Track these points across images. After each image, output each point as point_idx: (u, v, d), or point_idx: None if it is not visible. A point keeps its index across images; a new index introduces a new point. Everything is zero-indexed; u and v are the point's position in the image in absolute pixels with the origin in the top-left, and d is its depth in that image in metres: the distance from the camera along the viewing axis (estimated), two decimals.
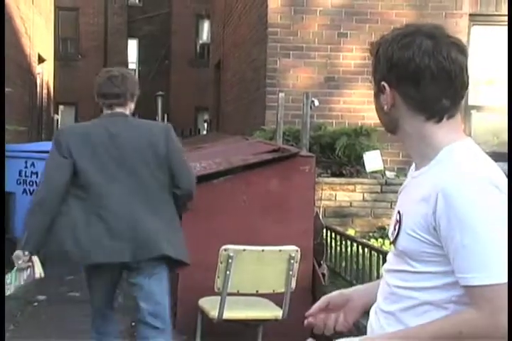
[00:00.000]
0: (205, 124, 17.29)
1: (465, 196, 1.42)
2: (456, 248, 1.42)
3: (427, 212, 1.46)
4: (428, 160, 1.53)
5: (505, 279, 1.39)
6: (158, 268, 3.40)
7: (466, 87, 1.54)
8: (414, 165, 1.64)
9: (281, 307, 3.77)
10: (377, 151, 6.54)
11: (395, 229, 1.55)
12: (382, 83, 1.54)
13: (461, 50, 1.52)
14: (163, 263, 3.40)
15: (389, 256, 1.63)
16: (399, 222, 1.53)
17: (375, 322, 1.61)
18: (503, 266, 1.40)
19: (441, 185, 1.44)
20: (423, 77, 1.49)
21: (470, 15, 7.57)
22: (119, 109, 3.53)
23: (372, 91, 1.61)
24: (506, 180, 1.48)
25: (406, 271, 1.52)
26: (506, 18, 7.62)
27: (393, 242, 1.56)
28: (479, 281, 1.40)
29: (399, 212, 1.55)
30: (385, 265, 1.65)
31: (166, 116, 17.54)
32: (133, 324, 4.97)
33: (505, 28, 7.76)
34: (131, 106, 3.58)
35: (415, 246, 1.48)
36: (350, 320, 1.72)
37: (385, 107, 1.55)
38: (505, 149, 7.65)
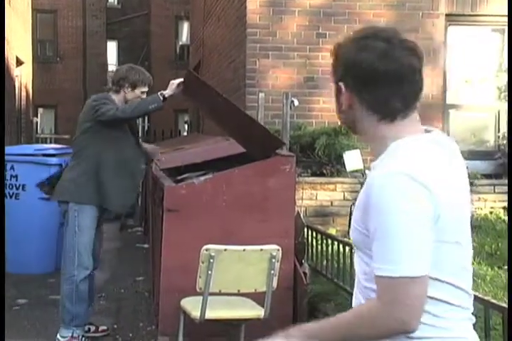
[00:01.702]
0: (186, 126, 17.26)
1: (384, 191, 1.47)
2: (373, 239, 1.49)
3: (363, 205, 1.53)
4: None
5: (407, 274, 1.43)
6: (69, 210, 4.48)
7: (421, 89, 1.58)
8: None
9: (263, 306, 3.78)
10: (357, 151, 6.56)
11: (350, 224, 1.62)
12: (340, 84, 1.59)
13: (415, 53, 1.56)
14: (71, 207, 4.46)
15: None
16: (349, 216, 1.61)
17: None
18: (406, 261, 1.44)
19: (371, 180, 1.52)
20: (375, 79, 1.54)
21: (446, 15, 7.64)
22: (112, 95, 4.62)
23: None
24: (437, 177, 1.49)
25: (363, 263, 1.58)
26: (482, 18, 7.72)
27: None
28: (382, 272, 1.46)
29: (351, 208, 1.63)
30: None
31: (146, 117, 17.47)
32: (115, 326, 4.97)
33: (482, 28, 7.86)
34: (128, 94, 4.58)
35: (360, 238, 1.56)
36: None
37: (343, 107, 1.60)
38: (482, 148, 7.74)
